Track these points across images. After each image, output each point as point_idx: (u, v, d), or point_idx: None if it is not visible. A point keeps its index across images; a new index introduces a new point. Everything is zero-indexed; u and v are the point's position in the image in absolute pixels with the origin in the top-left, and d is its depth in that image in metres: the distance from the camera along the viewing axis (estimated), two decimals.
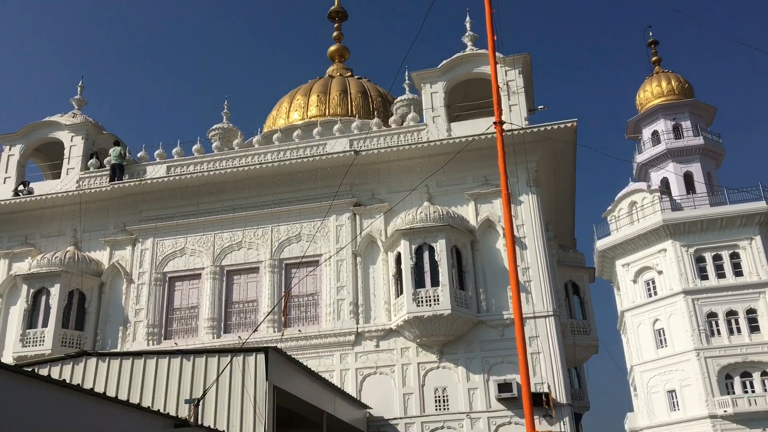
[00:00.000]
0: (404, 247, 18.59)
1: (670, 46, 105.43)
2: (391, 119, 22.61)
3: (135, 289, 20.66)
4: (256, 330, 17.05)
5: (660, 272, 41.07)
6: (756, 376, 37.35)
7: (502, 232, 18.66)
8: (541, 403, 16.16)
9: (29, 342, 19.42)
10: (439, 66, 21.45)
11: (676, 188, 43.96)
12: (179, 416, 8.79)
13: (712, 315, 38.69)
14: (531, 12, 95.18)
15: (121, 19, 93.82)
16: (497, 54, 15.39)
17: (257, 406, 11.45)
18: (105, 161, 22.74)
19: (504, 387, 17.33)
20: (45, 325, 19.60)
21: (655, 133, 46.13)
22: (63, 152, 23.35)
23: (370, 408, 17.74)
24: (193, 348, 14.18)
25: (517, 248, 16.74)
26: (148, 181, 21.38)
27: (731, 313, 38.52)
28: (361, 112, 26.34)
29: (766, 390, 36.92)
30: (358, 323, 18.99)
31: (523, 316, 13.79)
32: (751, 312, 38.34)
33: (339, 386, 16.77)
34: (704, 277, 39.72)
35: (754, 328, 38.07)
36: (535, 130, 19.35)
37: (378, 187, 20.51)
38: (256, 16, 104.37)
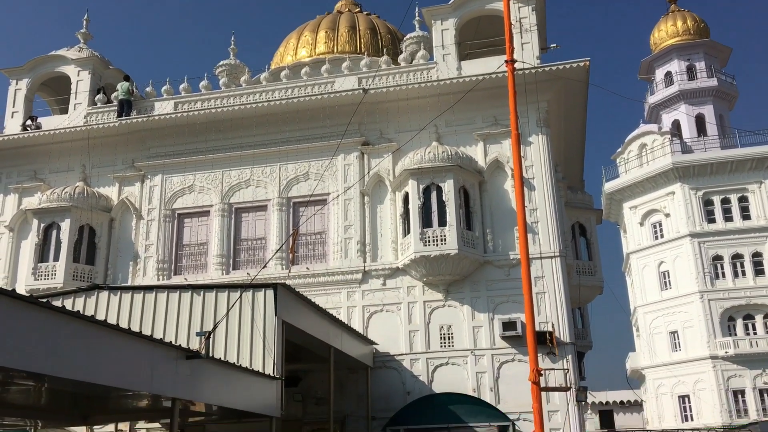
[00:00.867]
0: (412, 187, 18.59)
1: None
2: (401, 57, 22.27)
3: (144, 225, 20.84)
4: (265, 266, 17.23)
5: (667, 215, 41.05)
6: (758, 319, 37.75)
7: (511, 173, 18.60)
8: (544, 341, 16.40)
9: (41, 275, 19.74)
10: (450, 2, 20.99)
11: (687, 131, 43.50)
12: (191, 348, 8.99)
13: (717, 258, 38.84)
14: None
15: None
16: None
17: (266, 340, 11.68)
18: (112, 96, 22.61)
19: (508, 325, 17.58)
20: (56, 259, 19.87)
21: (668, 74, 45.36)
22: (70, 87, 23.20)
23: (377, 344, 18.07)
24: (203, 283, 14.38)
25: (525, 189, 16.67)
26: (156, 118, 21.30)
27: (737, 257, 38.65)
28: (370, 50, 25.93)
29: (767, 332, 37.36)
30: (365, 262, 19.16)
31: (530, 256, 13.87)
32: (757, 255, 38.46)
33: (346, 323, 17.04)
34: (711, 221, 39.71)
35: (759, 271, 38.26)
36: (546, 69, 19.04)
37: (386, 126, 20.37)
38: None
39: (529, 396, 13.40)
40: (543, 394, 13.58)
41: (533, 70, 18.75)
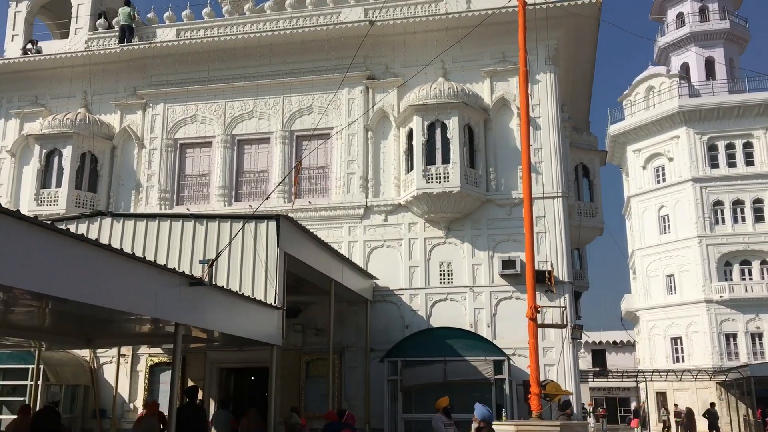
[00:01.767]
0: (416, 123, 18.42)
1: None
2: None
3: (147, 154, 20.76)
4: (267, 198, 17.24)
5: (671, 159, 40.88)
6: (755, 264, 38.05)
7: (517, 112, 18.41)
8: (543, 280, 16.56)
9: (43, 201, 19.79)
10: None
11: (696, 74, 42.86)
12: (194, 276, 9.08)
13: (718, 204, 38.87)
14: None
15: None
16: None
17: (268, 271, 11.79)
18: (113, 22, 22.17)
19: (508, 264, 17.73)
20: (58, 185, 19.87)
21: (680, 15, 44.37)
22: (70, 11, 22.72)
23: (377, 278, 18.26)
24: (206, 213, 14.41)
25: (530, 128, 16.51)
26: (158, 45, 20.94)
27: (738, 202, 38.68)
28: None
29: (763, 278, 37.74)
30: (367, 197, 19.16)
31: (532, 196, 13.87)
32: (757, 202, 38.47)
33: (347, 257, 17.17)
34: (715, 166, 39.57)
35: (759, 218, 38.34)
36: (558, 4, 18.61)
37: (392, 61, 20.05)
38: None
39: (524, 333, 13.61)
40: (539, 330, 13.78)
41: (544, 6, 18.33)
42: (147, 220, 12.82)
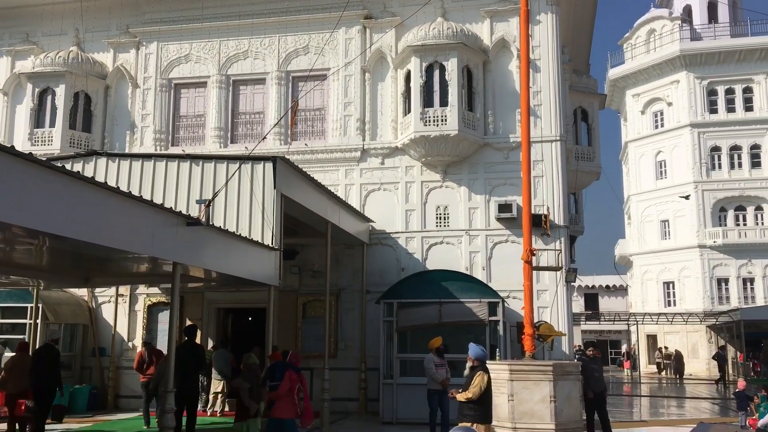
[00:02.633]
0: (414, 65, 18.15)
1: None
2: None
3: (141, 94, 20.47)
4: (264, 139, 17.09)
5: (670, 104, 40.60)
6: (750, 210, 38.26)
7: (517, 53, 18.13)
8: (539, 223, 16.62)
9: (37, 141, 19.61)
10: None
11: (699, 17, 42.17)
12: (191, 215, 9.06)
13: (715, 149, 38.81)
14: None
15: None
16: None
17: (265, 213, 11.78)
18: None
19: (504, 207, 17.75)
20: (52, 125, 19.65)
21: None
22: None
23: (373, 221, 18.29)
24: (202, 154, 14.31)
25: (530, 70, 16.28)
26: None
27: (735, 148, 38.62)
28: None
29: (757, 224, 37.99)
30: (364, 140, 19.03)
31: (530, 139, 13.78)
32: (755, 148, 38.43)
33: (344, 200, 17.16)
34: (714, 111, 39.35)
35: (755, 163, 38.36)
36: None
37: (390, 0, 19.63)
38: None
39: (519, 276, 13.74)
40: (534, 273, 13.90)
41: None
42: (143, 161, 12.73)
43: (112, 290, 18.34)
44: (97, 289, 18.67)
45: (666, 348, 38.49)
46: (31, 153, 5.99)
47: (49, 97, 19.88)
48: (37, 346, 14.27)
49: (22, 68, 20.96)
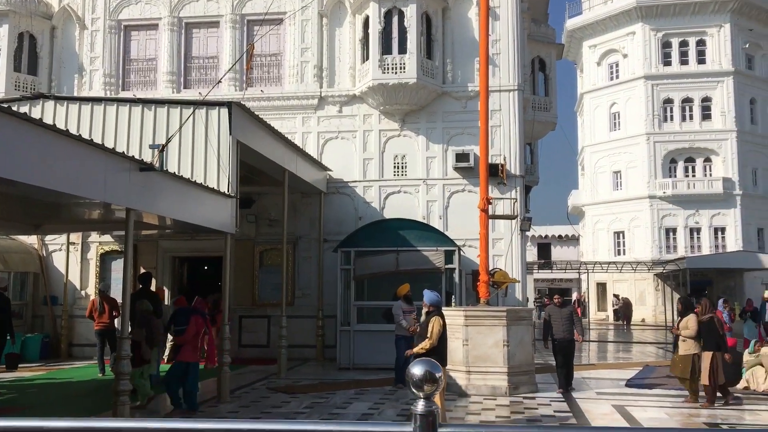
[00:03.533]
0: (373, 10, 17.84)
1: None
2: None
3: (89, 36, 19.69)
4: (218, 84, 16.68)
5: (625, 56, 40.93)
6: (699, 162, 39.23)
7: (476, 1, 17.94)
8: (495, 173, 16.76)
9: None
10: None
11: None
12: (144, 160, 8.85)
13: (668, 101, 39.44)
14: None
15: None
16: None
17: (221, 159, 11.58)
18: None
19: (461, 157, 17.82)
20: None
21: None
22: None
23: (331, 170, 18.19)
24: (155, 98, 13.91)
25: (489, 18, 16.16)
26: None
27: (687, 100, 39.31)
28: None
29: (705, 175, 39.03)
30: (321, 87, 18.76)
31: (489, 89, 13.79)
32: (706, 100, 39.17)
33: (301, 147, 16.98)
34: (668, 63, 39.84)
35: (706, 116, 39.16)
36: None
37: None
38: None
39: (475, 225, 13.93)
40: (489, 222, 14.09)
41: None
42: (92, 104, 12.32)
43: (63, 238, 17.95)
44: (48, 237, 18.26)
45: (616, 296, 39.69)
46: None
47: None
48: None
49: None
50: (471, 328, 11.87)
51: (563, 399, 11.41)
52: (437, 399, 8.43)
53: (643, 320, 37.45)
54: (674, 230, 38.74)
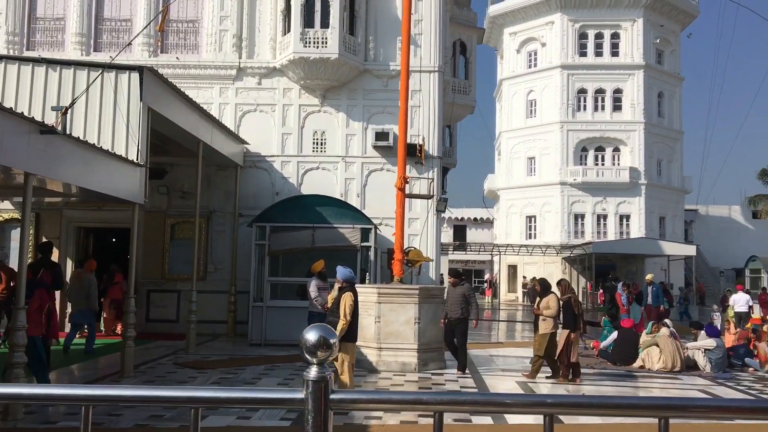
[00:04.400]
0: None
1: None
2: None
3: None
4: (129, 46, 15.94)
5: (543, 44, 41.92)
6: (608, 151, 40.81)
7: None
8: (414, 153, 16.82)
9: None
10: None
11: None
12: (45, 123, 8.36)
13: (582, 91, 40.74)
14: None
15: None
16: None
17: (130, 126, 11.12)
18: None
19: (381, 136, 17.82)
20: None
21: None
22: None
23: (248, 143, 17.82)
24: (60, 59, 13.17)
25: None
26: None
27: (600, 91, 40.72)
28: None
29: (614, 164, 40.66)
30: (240, 57, 18.28)
31: (410, 69, 13.79)
32: (617, 92, 40.69)
33: (217, 119, 16.53)
34: (583, 54, 41.08)
35: (617, 107, 40.71)
36: None
37: None
38: None
39: (393, 203, 13.97)
40: (406, 201, 14.17)
41: None
42: None
43: None
44: None
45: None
46: None
47: None
48: None
49: None
50: (384, 305, 11.94)
51: (469, 375, 11.67)
52: (345, 375, 8.46)
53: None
54: (582, 216, 40.23)
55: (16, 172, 8.50)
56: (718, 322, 17.92)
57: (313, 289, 12.38)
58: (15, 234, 16.78)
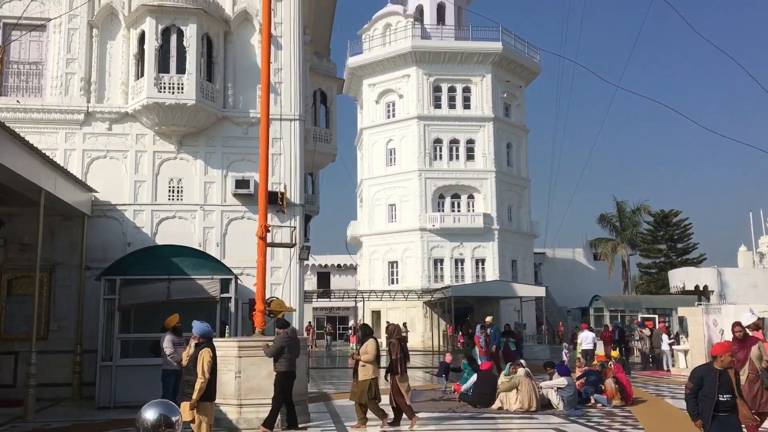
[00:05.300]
0: (150, 26, 16.97)
1: None
2: None
3: None
4: None
5: (401, 96, 43.43)
6: (463, 198, 42.58)
7: (259, 28, 17.86)
8: (275, 201, 16.61)
9: None
10: None
11: (429, 17, 45.65)
12: None
13: (438, 141, 42.47)
14: None
15: None
16: None
17: None
18: None
19: (241, 183, 17.46)
20: None
21: None
22: None
23: (97, 191, 16.81)
24: None
25: (271, 46, 16.13)
26: None
27: (454, 141, 42.63)
28: None
29: (469, 210, 42.43)
30: (89, 102, 17.36)
31: (270, 116, 13.69)
32: (470, 142, 42.78)
33: (62, 166, 15.49)
34: (438, 106, 42.98)
35: (470, 156, 42.74)
36: None
37: None
38: None
39: (254, 252, 13.61)
40: (268, 250, 13.88)
41: None
42: None
43: None
44: None
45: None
46: None
47: None
48: None
49: None
50: (245, 359, 11.50)
51: (335, 428, 11.42)
52: None
53: (410, 348, 39.29)
54: (442, 261, 41.46)
55: None
56: (567, 359, 18.87)
57: (167, 345, 11.72)
58: None
